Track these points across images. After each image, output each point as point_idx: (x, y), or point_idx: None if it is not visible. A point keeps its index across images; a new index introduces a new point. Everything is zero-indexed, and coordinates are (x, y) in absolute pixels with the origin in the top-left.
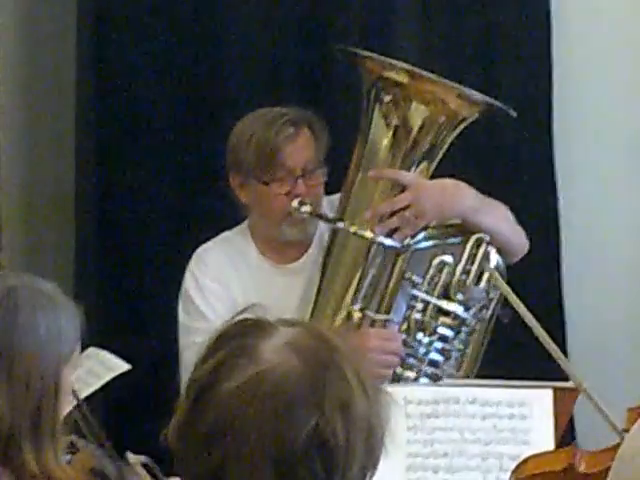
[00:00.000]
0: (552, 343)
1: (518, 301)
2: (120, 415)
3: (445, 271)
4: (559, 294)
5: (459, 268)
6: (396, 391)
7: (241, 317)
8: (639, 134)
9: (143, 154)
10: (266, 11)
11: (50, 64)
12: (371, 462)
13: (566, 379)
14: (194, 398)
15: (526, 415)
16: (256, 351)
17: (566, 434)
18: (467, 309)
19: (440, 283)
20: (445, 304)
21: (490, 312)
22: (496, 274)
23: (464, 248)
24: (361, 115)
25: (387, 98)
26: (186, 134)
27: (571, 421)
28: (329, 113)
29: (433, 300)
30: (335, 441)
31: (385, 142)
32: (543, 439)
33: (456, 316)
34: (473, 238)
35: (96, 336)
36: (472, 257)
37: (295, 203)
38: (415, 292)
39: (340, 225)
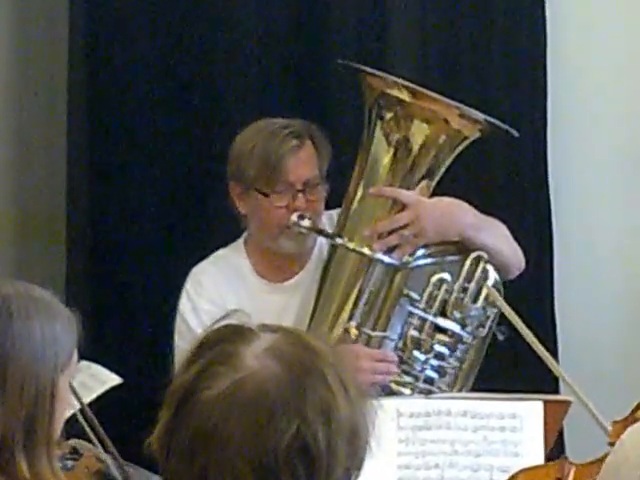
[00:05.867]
0: (550, 357)
1: (516, 317)
2: (112, 427)
3: (443, 289)
4: (551, 310)
5: (457, 286)
6: (389, 404)
7: (222, 324)
8: (636, 153)
9: (136, 169)
10: (263, 23)
11: (42, 80)
12: (355, 464)
13: (556, 392)
14: (176, 407)
15: (516, 427)
16: (236, 358)
17: (556, 446)
18: (464, 327)
19: (438, 301)
20: (442, 322)
21: (487, 330)
22: (495, 292)
23: (462, 266)
24: (361, 130)
25: (389, 115)
26: (180, 149)
27: (561, 434)
28: (326, 128)
29: (430, 318)
30: (317, 446)
31: (386, 159)
32: (533, 451)
33: (453, 334)
34: (472, 256)
35: (87, 350)
36: (470, 275)
37: (294, 217)
38: (412, 309)
39: (339, 241)
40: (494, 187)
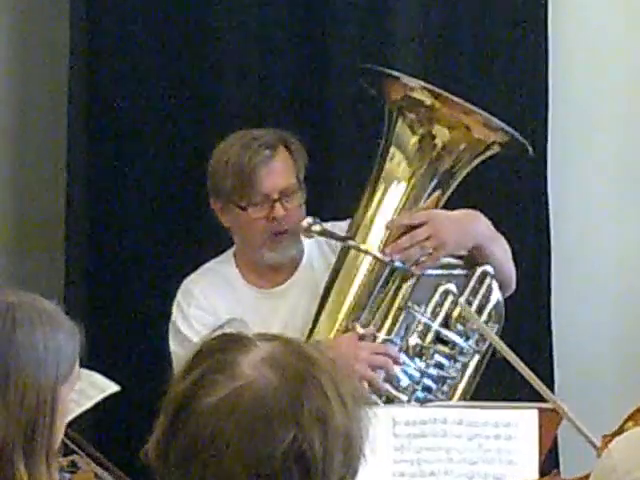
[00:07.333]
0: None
1: (501, 343)
2: (109, 436)
3: (449, 300)
4: (548, 318)
5: (462, 299)
6: (385, 412)
7: (220, 333)
8: (637, 162)
9: (134, 177)
10: (262, 29)
11: (42, 87)
12: (349, 472)
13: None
14: (173, 414)
15: (511, 435)
16: (234, 366)
17: (550, 456)
18: (466, 339)
19: (443, 312)
20: (445, 332)
21: (487, 345)
22: (475, 315)
23: (469, 280)
24: (362, 138)
25: (410, 119)
26: (179, 156)
27: (555, 444)
28: (327, 136)
29: (435, 326)
30: (313, 453)
31: (403, 165)
32: (527, 459)
33: (454, 345)
34: (479, 270)
35: (85, 358)
36: (476, 289)
37: (305, 223)
38: (418, 316)
39: (352, 243)
40: (493, 194)
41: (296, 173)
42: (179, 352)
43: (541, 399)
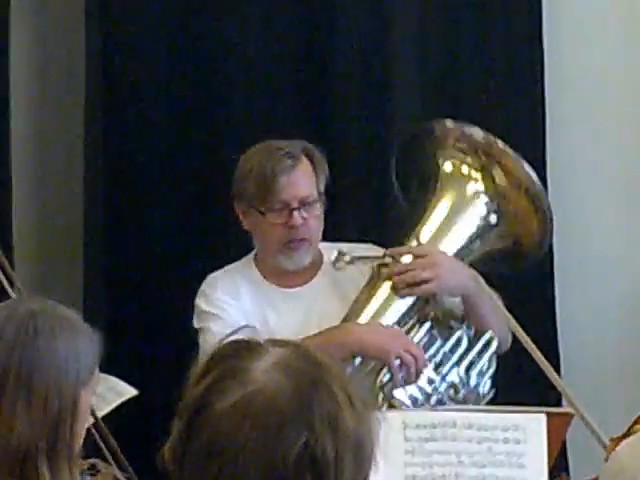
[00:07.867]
0: (554, 372)
1: (523, 332)
2: (127, 439)
3: (459, 351)
4: (554, 330)
5: (470, 356)
6: (395, 415)
7: (232, 339)
8: (636, 179)
9: (151, 184)
10: (270, 44)
11: (60, 96)
12: (361, 476)
13: (559, 405)
14: (187, 420)
15: (520, 439)
16: (246, 372)
17: (559, 458)
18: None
19: (454, 358)
20: (453, 377)
21: (487, 399)
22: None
23: (476, 341)
24: (364, 147)
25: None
26: (194, 163)
27: (564, 448)
28: (331, 146)
29: (451, 362)
30: (325, 457)
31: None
32: (537, 462)
33: (457, 391)
34: (486, 336)
35: (103, 363)
36: (481, 352)
37: (332, 257)
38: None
39: (388, 260)
40: None
41: (317, 185)
42: (205, 326)
43: (548, 404)
